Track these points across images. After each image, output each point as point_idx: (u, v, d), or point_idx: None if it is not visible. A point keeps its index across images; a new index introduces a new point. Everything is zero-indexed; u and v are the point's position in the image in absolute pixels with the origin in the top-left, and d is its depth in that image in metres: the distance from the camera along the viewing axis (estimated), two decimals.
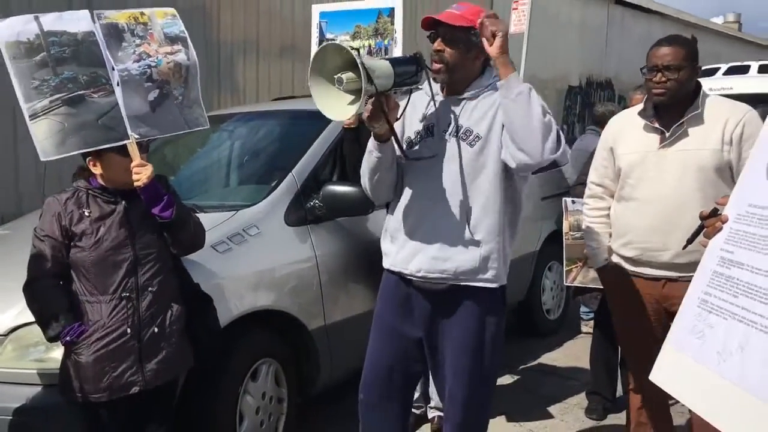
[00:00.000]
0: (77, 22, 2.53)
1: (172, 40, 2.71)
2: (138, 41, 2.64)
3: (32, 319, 2.69)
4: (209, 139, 4.58)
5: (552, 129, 2.26)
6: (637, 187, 2.81)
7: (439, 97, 2.48)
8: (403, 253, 2.49)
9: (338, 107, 2.20)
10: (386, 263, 2.59)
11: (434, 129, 2.46)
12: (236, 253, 3.12)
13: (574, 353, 4.95)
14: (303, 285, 3.37)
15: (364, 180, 2.56)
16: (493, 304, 2.49)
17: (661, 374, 2.40)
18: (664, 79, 2.67)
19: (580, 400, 4.10)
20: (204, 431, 2.94)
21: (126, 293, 2.48)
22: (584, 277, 3.69)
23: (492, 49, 2.26)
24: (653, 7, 15.75)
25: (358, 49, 2.11)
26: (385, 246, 2.59)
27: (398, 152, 2.44)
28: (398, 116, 2.37)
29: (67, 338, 2.43)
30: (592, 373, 4.02)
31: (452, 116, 2.44)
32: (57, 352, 2.67)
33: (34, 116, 2.41)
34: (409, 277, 2.50)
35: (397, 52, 3.64)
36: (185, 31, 2.75)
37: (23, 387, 2.68)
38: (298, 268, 3.36)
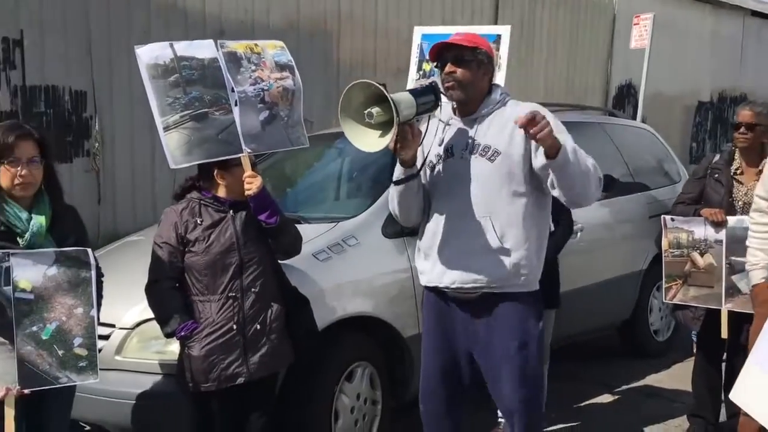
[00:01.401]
0: (204, 49, 2.87)
1: (281, 67, 3.00)
2: (253, 67, 2.94)
3: None
4: (322, 155, 4.89)
5: (599, 176, 2.46)
6: None
7: (455, 120, 2.64)
8: (438, 269, 2.64)
9: (369, 139, 2.38)
10: (423, 280, 2.74)
11: (453, 149, 2.61)
12: (335, 261, 3.35)
13: (681, 375, 4.80)
14: (399, 294, 3.54)
15: (393, 205, 2.72)
16: (528, 307, 2.60)
17: (745, 395, 2.37)
18: None
19: (682, 422, 4.01)
20: (301, 425, 3.17)
21: (232, 293, 2.75)
22: (684, 295, 3.64)
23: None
24: None
25: (384, 84, 2.28)
26: (420, 264, 2.75)
27: (403, 177, 2.59)
28: (420, 143, 2.53)
29: (182, 333, 2.72)
30: (694, 396, 3.92)
31: (469, 135, 2.58)
32: (175, 346, 2.99)
33: (167, 128, 2.74)
34: (444, 290, 2.64)
35: (500, 78, 3.74)
36: (292, 60, 3.05)
37: (145, 375, 3.03)
38: (394, 278, 3.55)
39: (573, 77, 12.61)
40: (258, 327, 2.79)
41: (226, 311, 2.75)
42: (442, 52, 2.59)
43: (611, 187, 5.05)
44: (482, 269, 2.54)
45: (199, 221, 2.80)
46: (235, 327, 2.75)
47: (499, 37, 3.80)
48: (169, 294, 2.78)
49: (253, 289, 2.79)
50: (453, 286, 2.61)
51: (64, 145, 7.23)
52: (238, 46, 2.95)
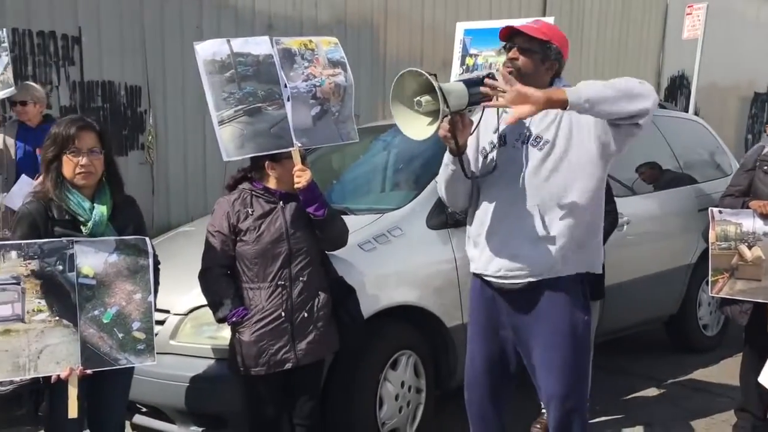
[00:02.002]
0: (259, 45, 2.95)
1: (334, 64, 3.07)
2: (306, 64, 3.02)
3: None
4: (367, 148, 4.96)
5: (632, 83, 2.34)
6: None
7: (512, 109, 2.60)
8: (485, 256, 2.67)
9: (418, 127, 2.41)
10: (471, 267, 2.77)
11: (506, 138, 2.63)
12: (380, 252, 3.42)
13: (730, 371, 4.73)
14: (443, 285, 3.59)
15: (441, 189, 2.77)
16: (575, 298, 2.59)
17: None
18: None
19: (729, 417, 3.96)
20: (347, 411, 3.25)
21: (281, 282, 2.86)
22: (731, 288, 3.60)
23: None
24: None
25: (435, 74, 2.31)
26: (469, 251, 2.78)
27: (453, 167, 2.62)
28: (471, 132, 2.55)
29: (233, 319, 2.84)
30: (741, 390, 3.87)
31: (523, 125, 2.57)
32: (226, 331, 3.11)
33: (221, 122, 2.84)
34: (489, 279, 2.67)
35: None
36: (345, 57, 3.11)
37: (198, 359, 3.15)
38: (438, 269, 3.60)
39: (623, 69, 12.40)
40: (305, 315, 2.88)
41: (275, 299, 2.85)
42: (512, 36, 2.56)
43: (660, 179, 5.01)
44: (528, 258, 2.56)
45: (250, 211, 2.89)
46: (283, 314, 2.85)
47: None
48: (221, 281, 2.89)
49: (301, 278, 2.88)
50: (498, 274, 2.64)
51: (120, 139, 7.48)
52: (293, 43, 3.02)
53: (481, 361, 2.77)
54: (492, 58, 3.68)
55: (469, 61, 3.71)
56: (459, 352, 3.61)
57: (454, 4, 10.13)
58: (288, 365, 2.86)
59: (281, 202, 2.93)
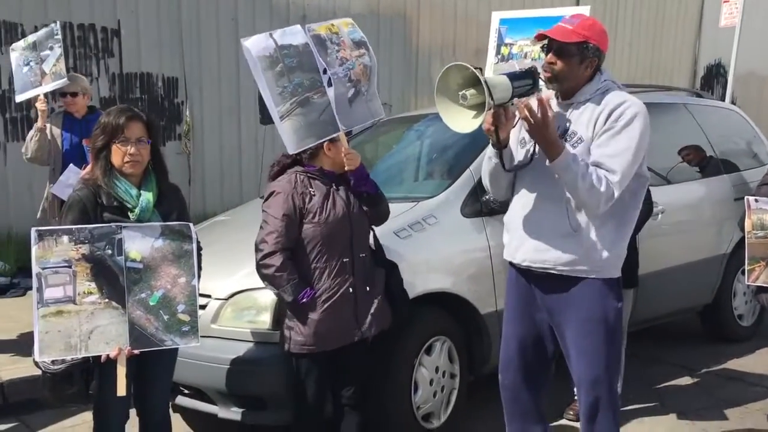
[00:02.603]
0: (296, 35, 2.96)
1: (357, 44, 3.10)
2: (337, 48, 3.05)
3: (247, 286, 3.27)
4: (402, 138, 5.02)
5: (598, 197, 2.46)
6: None
7: (553, 103, 2.63)
8: (514, 244, 2.73)
9: (463, 120, 2.45)
10: (504, 254, 2.83)
11: None
12: (415, 239, 3.48)
13: (765, 360, 4.74)
14: (477, 272, 3.64)
15: (485, 181, 2.84)
16: (604, 287, 2.61)
17: None
18: None
19: (764, 406, 3.96)
20: (383, 395, 3.32)
21: (346, 259, 2.95)
22: None
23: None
24: None
25: (480, 68, 2.34)
26: (504, 238, 2.84)
27: (496, 160, 2.68)
28: (513, 125, 2.59)
29: (304, 300, 2.89)
30: None
31: (563, 119, 2.60)
32: (265, 316, 3.21)
33: (282, 117, 2.86)
34: (517, 266, 2.72)
35: None
36: (364, 36, 3.13)
37: (238, 343, 3.24)
38: (472, 257, 3.65)
39: (658, 57, 12.26)
40: (368, 289, 2.99)
41: (341, 276, 2.93)
42: (549, 37, 2.58)
43: (707, 167, 4.97)
44: (550, 250, 2.60)
45: (312, 192, 2.96)
46: (351, 290, 2.94)
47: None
48: (287, 264, 2.90)
49: (361, 255, 2.99)
50: (524, 264, 2.70)
51: (159, 129, 7.63)
52: (321, 29, 3.04)
53: (516, 343, 2.82)
54: (527, 48, 3.69)
55: (504, 50, 3.71)
56: (493, 339, 3.66)
57: None
58: (355, 338, 2.97)
59: (334, 184, 3.01)
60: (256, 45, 2.84)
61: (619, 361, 3.35)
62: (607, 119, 2.52)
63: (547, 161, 2.49)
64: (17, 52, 4.64)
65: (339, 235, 2.94)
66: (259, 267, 2.94)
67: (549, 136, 2.46)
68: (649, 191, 3.68)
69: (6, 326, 5.13)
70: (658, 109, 4.56)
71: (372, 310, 3.00)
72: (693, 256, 4.70)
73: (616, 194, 2.48)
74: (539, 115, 2.43)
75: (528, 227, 2.68)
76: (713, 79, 12.99)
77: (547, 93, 2.61)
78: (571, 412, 3.82)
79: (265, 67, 2.82)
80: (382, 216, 3.16)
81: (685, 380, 4.44)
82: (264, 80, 2.82)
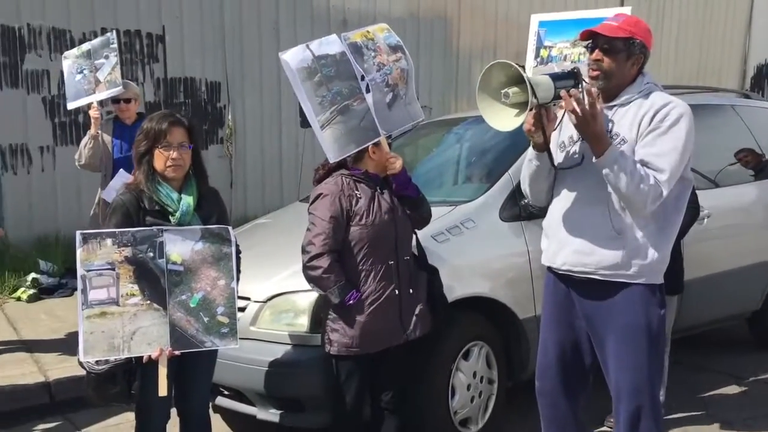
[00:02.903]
0: (332, 45, 3.00)
1: (393, 49, 3.12)
2: (373, 54, 3.07)
3: (286, 289, 3.30)
4: (441, 141, 5.00)
5: (645, 196, 2.40)
6: None
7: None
8: (552, 249, 2.68)
9: (504, 119, 2.43)
10: (542, 259, 2.78)
11: None
12: (453, 243, 3.47)
13: None
14: (516, 277, 3.61)
15: (524, 185, 2.79)
16: (645, 293, 2.54)
17: None
18: None
19: None
20: (420, 400, 3.31)
21: (391, 262, 2.97)
22: None
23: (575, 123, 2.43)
24: None
25: (523, 66, 2.32)
26: (542, 243, 2.79)
27: (536, 162, 2.63)
28: (555, 127, 2.55)
29: (351, 302, 2.91)
30: None
31: (605, 121, 2.53)
32: (303, 318, 3.23)
33: (322, 126, 2.90)
34: (556, 271, 2.67)
35: None
36: (400, 41, 3.15)
37: (277, 345, 3.27)
38: (511, 261, 3.62)
39: (705, 57, 11.99)
40: (411, 291, 3.01)
41: (386, 279, 2.95)
42: (594, 36, 2.55)
43: (761, 164, 4.84)
44: (592, 254, 2.56)
45: (359, 195, 2.99)
46: (396, 292, 2.96)
47: None
48: (334, 266, 2.92)
49: (405, 257, 3.01)
50: (563, 268, 2.65)
51: (201, 133, 7.77)
52: (356, 36, 3.07)
53: (554, 348, 2.78)
54: (567, 50, 3.66)
55: (543, 53, 3.69)
56: (531, 345, 3.62)
57: None
58: (399, 341, 2.98)
59: (378, 188, 3.03)
60: (294, 57, 2.88)
61: (662, 369, 3.29)
62: (651, 120, 2.47)
63: (594, 158, 2.44)
64: (70, 60, 4.73)
65: (384, 238, 2.96)
66: (306, 269, 2.95)
67: (597, 129, 2.40)
68: (695, 194, 3.61)
69: (54, 326, 5.28)
70: (705, 110, 4.46)
71: (416, 313, 3.02)
72: (741, 261, 4.57)
73: (665, 193, 2.42)
74: (587, 106, 2.38)
75: (568, 231, 2.63)
76: (763, 79, 12.64)
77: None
78: (612, 420, 3.75)
79: (304, 78, 2.86)
80: (424, 219, 3.18)
81: (732, 389, 4.33)
82: (303, 91, 2.85)
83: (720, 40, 12.14)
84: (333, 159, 2.90)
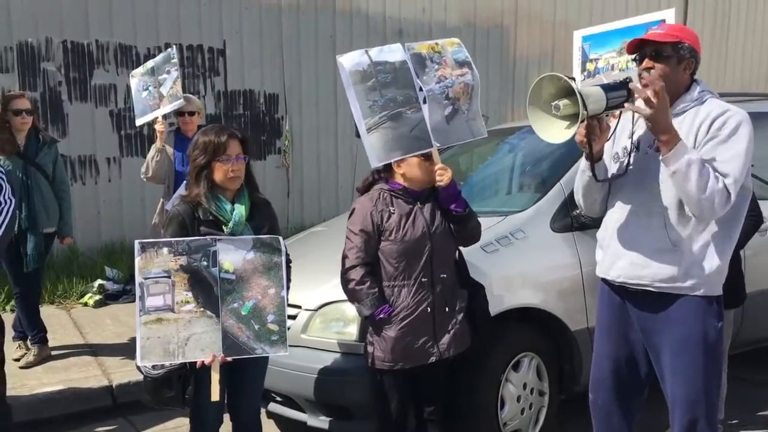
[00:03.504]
0: (394, 53, 3.05)
1: (460, 64, 3.15)
2: (436, 66, 3.11)
3: (336, 298, 3.34)
4: (495, 151, 4.99)
5: (714, 197, 2.32)
6: None
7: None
8: (607, 261, 2.64)
9: (555, 131, 2.41)
10: (597, 271, 2.74)
11: (640, 144, 2.57)
12: (502, 253, 3.46)
13: None
14: (567, 288, 3.57)
15: (578, 196, 2.76)
16: (703, 306, 2.49)
17: None
18: None
19: None
20: (469, 410, 3.31)
21: (425, 278, 2.96)
22: None
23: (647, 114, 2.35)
24: None
25: (573, 78, 2.30)
26: (597, 255, 2.75)
27: (589, 173, 2.59)
28: (607, 138, 2.51)
29: (381, 316, 2.94)
30: None
31: None
32: (353, 327, 3.27)
33: (369, 129, 2.95)
34: (611, 283, 2.63)
35: None
36: (469, 56, 3.18)
37: (326, 353, 3.33)
38: (562, 272, 3.58)
39: None
40: (447, 310, 2.99)
41: (419, 295, 2.96)
42: (641, 46, 2.53)
43: None
44: (648, 266, 2.52)
45: (392, 210, 3.01)
46: (428, 310, 2.96)
47: (663, 22, 3.67)
48: (365, 279, 2.97)
49: (442, 275, 2.99)
50: (618, 280, 2.62)
51: (259, 144, 7.95)
52: (422, 47, 3.12)
53: (608, 361, 2.74)
54: (613, 59, 3.62)
55: (590, 66, 3.66)
56: (584, 357, 3.58)
57: (588, 3, 9.90)
58: (431, 359, 2.97)
59: (418, 203, 3.04)
60: (349, 60, 2.94)
61: (720, 384, 3.20)
62: (709, 128, 2.42)
63: (661, 155, 2.38)
64: (136, 78, 4.91)
65: (416, 254, 2.95)
66: (342, 280, 3.03)
67: (668, 120, 2.35)
68: (756, 203, 3.50)
69: (118, 330, 5.47)
70: (764, 119, 4.32)
71: (451, 332, 2.99)
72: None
73: (732, 197, 2.36)
74: (653, 95, 2.31)
75: (623, 242, 2.60)
76: None
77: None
78: None
79: (356, 81, 2.91)
80: (471, 236, 3.12)
81: None
82: (354, 93, 2.91)
83: None
84: (375, 163, 2.93)
